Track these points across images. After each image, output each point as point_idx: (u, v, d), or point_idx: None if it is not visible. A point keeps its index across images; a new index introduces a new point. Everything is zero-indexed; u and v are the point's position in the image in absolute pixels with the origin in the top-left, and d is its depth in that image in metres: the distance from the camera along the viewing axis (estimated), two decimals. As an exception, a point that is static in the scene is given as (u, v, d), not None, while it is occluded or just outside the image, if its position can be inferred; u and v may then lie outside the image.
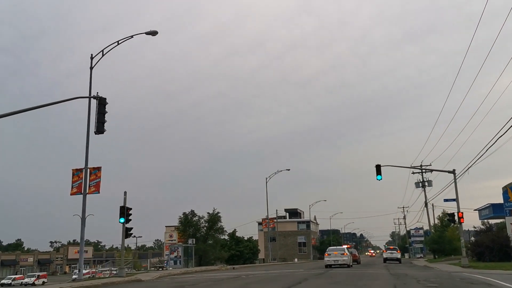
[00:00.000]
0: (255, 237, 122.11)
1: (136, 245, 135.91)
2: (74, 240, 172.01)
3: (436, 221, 69.71)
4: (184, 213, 57.98)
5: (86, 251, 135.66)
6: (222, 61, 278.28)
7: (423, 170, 58.80)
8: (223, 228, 59.58)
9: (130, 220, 31.71)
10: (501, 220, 43.86)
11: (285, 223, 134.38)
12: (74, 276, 65.38)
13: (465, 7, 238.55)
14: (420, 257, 79.09)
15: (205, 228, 58.67)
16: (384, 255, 54.21)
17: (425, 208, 62.50)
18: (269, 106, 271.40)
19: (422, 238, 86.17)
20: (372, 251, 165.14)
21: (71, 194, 26.98)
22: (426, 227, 77.61)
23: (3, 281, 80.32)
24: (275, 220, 78.66)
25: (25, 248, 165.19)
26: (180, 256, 47.11)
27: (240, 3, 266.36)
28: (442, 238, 57.12)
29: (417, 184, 61.46)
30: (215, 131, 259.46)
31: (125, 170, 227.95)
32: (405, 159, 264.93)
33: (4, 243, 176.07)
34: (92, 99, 19.08)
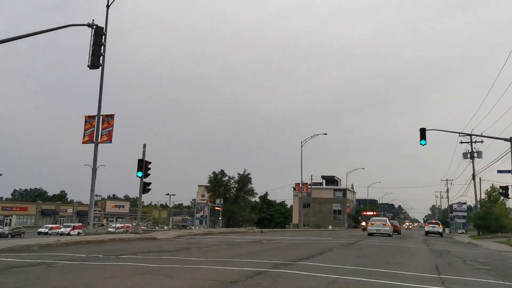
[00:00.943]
0: (290, 203, 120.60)
1: (169, 203, 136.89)
2: (113, 195, 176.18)
3: (483, 195, 65.05)
4: (213, 172, 56.35)
5: (123, 206, 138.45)
6: (266, 24, 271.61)
7: (473, 140, 54.15)
8: (253, 190, 57.69)
9: (149, 174, 29.76)
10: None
11: (321, 190, 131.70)
12: (109, 229, 65.96)
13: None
14: (462, 233, 75.24)
15: (235, 189, 56.87)
16: (426, 228, 55.12)
17: (471, 182, 57.90)
18: (311, 72, 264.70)
19: (465, 213, 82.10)
20: (409, 223, 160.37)
21: (83, 143, 25.09)
22: (470, 202, 73.16)
23: (40, 229, 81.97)
24: (309, 186, 75.96)
25: (68, 200, 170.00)
26: (206, 216, 45.43)
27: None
28: (489, 214, 53.01)
29: (465, 155, 56.78)
30: (255, 95, 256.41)
31: (165, 129, 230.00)
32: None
33: (50, 194, 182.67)
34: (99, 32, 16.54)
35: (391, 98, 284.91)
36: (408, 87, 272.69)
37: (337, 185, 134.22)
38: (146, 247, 18.16)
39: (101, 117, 24.67)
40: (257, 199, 64.76)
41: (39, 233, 76.56)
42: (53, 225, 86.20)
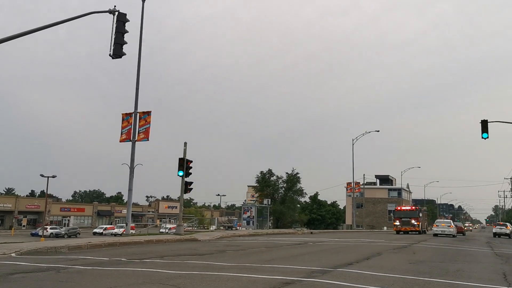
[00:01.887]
0: (343, 203, 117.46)
1: (220, 203, 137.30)
2: (167, 196, 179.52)
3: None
4: (261, 172, 55.10)
5: (176, 207, 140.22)
6: (315, 23, 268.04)
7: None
8: (303, 190, 55.89)
9: (190, 173, 28.90)
10: None
11: (374, 190, 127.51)
12: (161, 230, 66.44)
13: None
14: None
15: (283, 189, 55.35)
16: (494, 230, 54.66)
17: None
18: (363, 69, 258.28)
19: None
20: (468, 224, 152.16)
21: (120, 141, 24.49)
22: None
23: (95, 230, 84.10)
24: (361, 185, 73.17)
25: (124, 201, 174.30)
26: (253, 216, 44.19)
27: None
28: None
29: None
30: (306, 95, 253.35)
31: (218, 131, 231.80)
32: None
33: (107, 195, 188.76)
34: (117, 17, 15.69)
35: (448, 94, 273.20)
36: (466, 83, 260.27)
37: (392, 185, 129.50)
38: (179, 249, 17.08)
39: (138, 114, 23.96)
40: (307, 199, 62.94)
41: (94, 233, 78.51)
42: (108, 226, 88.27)
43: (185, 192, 28.88)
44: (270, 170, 54.93)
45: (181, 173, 28.15)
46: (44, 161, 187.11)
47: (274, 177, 55.02)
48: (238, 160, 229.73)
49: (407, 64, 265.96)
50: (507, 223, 56.92)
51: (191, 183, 28.89)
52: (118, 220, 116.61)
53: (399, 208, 50.12)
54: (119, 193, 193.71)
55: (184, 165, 28.32)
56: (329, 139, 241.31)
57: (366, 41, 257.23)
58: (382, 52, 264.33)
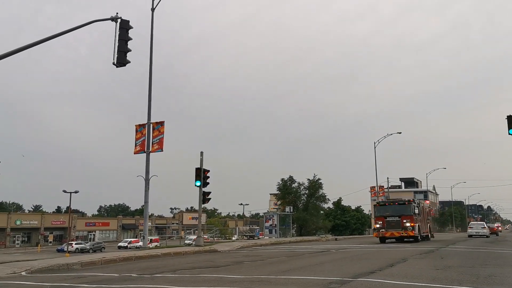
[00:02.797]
0: (368, 208, 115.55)
1: (243, 212, 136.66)
2: (191, 207, 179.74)
3: None
4: (282, 179, 54.34)
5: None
6: (332, 29, 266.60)
7: None
8: (325, 196, 54.88)
9: (208, 183, 28.42)
10: None
11: (400, 193, 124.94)
12: (186, 241, 66.34)
13: None
14: None
15: (305, 195, 54.44)
16: None
17: None
18: (383, 73, 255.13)
19: None
20: (497, 225, 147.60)
21: (134, 153, 24.15)
22: None
23: (120, 244, 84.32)
24: (385, 189, 71.62)
25: (150, 214, 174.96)
26: (275, 224, 43.43)
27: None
28: None
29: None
30: (325, 101, 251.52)
31: (239, 140, 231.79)
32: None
33: (132, 209, 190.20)
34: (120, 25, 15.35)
35: (471, 94, 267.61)
36: (489, 81, 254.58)
37: (417, 187, 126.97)
38: (195, 261, 16.53)
39: (151, 125, 23.62)
40: (330, 206, 61.82)
41: (119, 247, 78.69)
42: (132, 239, 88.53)
43: (204, 202, 28.40)
44: (291, 177, 54.19)
45: (198, 183, 27.70)
46: (71, 177, 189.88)
47: (296, 184, 54.22)
48: (260, 168, 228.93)
49: (427, 66, 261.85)
50: None
51: (209, 193, 28.41)
52: (142, 233, 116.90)
53: (382, 202, 36.17)
54: (143, 205, 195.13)
55: (201, 174, 27.87)
56: (351, 144, 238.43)
57: (385, 45, 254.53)
58: (401, 55, 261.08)
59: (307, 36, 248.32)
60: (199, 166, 28.03)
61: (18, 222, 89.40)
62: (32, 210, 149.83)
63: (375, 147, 63.26)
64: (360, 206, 71.18)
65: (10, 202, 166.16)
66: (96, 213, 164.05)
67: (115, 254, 18.62)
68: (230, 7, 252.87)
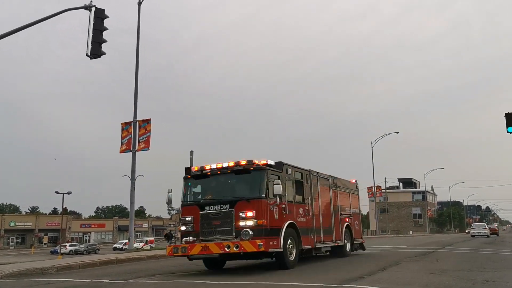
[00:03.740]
0: (366, 208, 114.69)
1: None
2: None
3: None
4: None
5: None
6: (333, 28, 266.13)
7: None
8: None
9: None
10: None
11: (398, 194, 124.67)
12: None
13: None
14: None
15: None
16: None
17: None
18: (383, 73, 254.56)
19: None
20: (496, 225, 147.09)
21: (120, 152, 23.37)
22: None
23: (115, 245, 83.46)
24: (382, 189, 70.93)
25: (147, 215, 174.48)
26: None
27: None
28: None
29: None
30: (326, 100, 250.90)
31: (240, 139, 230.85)
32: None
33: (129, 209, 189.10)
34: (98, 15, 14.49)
35: (471, 94, 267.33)
36: (489, 81, 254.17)
37: (416, 188, 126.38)
38: (178, 265, 15.70)
39: (137, 123, 22.82)
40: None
41: (115, 248, 77.90)
42: (127, 241, 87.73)
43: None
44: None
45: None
46: (69, 178, 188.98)
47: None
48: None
49: (428, 66, 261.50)
50: None
51: (199, 193, 27.54)
52: (139, 234, 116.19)
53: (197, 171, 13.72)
54: (141, 207, 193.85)
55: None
56: (352, 144, 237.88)
57: (386, 44, 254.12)
58: (402, 54, 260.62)
59: (308, 36, 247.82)
60: (188, 166, 27.18)
61: (12, 224, 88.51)
62: (29, 211, 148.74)
63: (372, 147, 62.66)
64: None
65: (7, 204, 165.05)
66: (93, 214, 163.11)
67: (94, 258, 17.78)
68: (230, 7, 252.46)
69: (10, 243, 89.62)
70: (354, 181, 19.73)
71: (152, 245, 78.94)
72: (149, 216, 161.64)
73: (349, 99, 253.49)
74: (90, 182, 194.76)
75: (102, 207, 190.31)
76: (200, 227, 12.46)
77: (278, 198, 12.30)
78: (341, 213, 17.34)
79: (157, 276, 12.01)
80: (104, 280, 11.24)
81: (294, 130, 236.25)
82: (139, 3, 23.37)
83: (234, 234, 11.88)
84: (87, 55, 14.83)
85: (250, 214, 11.81)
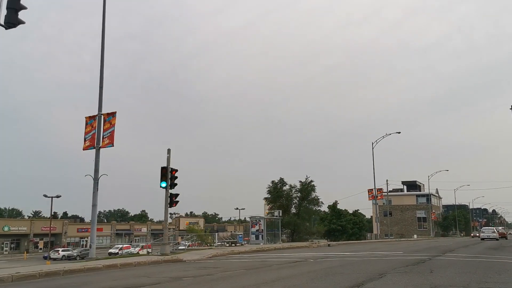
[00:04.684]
0: (370, 212, 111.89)
1: (239, 217, 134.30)
2: (191, 212, 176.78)
3: None
4: (272, 182, 51.01)
5: (197, 222, 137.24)
6: (336, 33, 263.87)
7: None
8: (318, 199, 51.38)
9: (176, 184, 25.39)
10: None
11: (402, 197, 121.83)
12: (180, 247, 63.56)
13: None
14: None
15: (297, 199, 51.23)
16: None
17: None
18: (387, 77, 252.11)
19: None
20: (502, 229, 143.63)
21: (83, 149, 21.19)
22: None
23: (110, 250, 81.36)
24: (384, 192, 68.45)
25: (149, 219, 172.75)
26: (262, 230, 40.33)
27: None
28: None
29: None
30: (330, 105, 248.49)
31: (241, 145, 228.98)
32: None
33: (132, 214, 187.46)
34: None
35: (475, 97, 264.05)
36: (493, 84, 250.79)
37: (420, 190, 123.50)
38: (130, 276, 13.52)
39: (102, 116, 20.65)
40: (325, 209, 58.52)
41: (110, 253, 75.85)
42: (124, 245, 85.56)
43: (170, 206, 25.35)
44: (282, 179, 50.82)
45: (164, 184, 24.68)
46: (73, 182, 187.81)
47: (287, 187, 50.83)
48: (261, 173, 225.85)
49: (432, 69, 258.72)
50: None
51: (177, 195, 25.36)
52: (138, 239, 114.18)
53: None
54: (143, 211, 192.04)
55: (168, 174, 24.87)
56: (355, 149, 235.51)
57: (389, 49, 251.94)
58: (406, 58, 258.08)
59: (311, 41, 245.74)
60: (165, 165, 25.03)
61: (6, 228, 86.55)
62: (31, 216, 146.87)
63: (373, 147, 60.28)
64: (358, 210, 67.79)
65: (10, 208, 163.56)
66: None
67: (35, 269, 15.51)
68: (233, 13, 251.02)
69: (4, 248, 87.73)
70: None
71: (149, 250, 76.83)
72: (151, 220, 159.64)
73: (353, 104, 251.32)
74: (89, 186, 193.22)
75: (104, 211, 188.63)
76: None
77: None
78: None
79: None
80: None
81: (298, 134, 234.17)
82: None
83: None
84: (2, 25, 12.65)
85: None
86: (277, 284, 10.59)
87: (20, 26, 12.79)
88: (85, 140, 20.89)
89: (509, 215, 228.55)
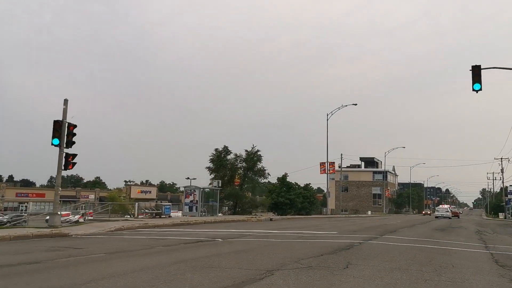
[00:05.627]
0: (324, 186, 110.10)
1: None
2: (146, 181, 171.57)
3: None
4: (216, 150, 47.02)
5: (150, 192, 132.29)
6: (306, 8, 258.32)
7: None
8: (265, 170, 47.81)
9: (74, 142, 21.02)
10: None
11: (359, 173, 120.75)
12: (126, 216, 59.21)
13: None
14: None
15: (242, 169, 47.55)
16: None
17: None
18: (354, 55, 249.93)
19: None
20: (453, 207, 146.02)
21: None
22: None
23: (47, 217, 75.93)
24: (336, 166, 65.72)
25: (106, 186, 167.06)
26: (197, 201, 36.51)
27: None
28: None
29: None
30: (296, 80, 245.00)
31: (208, 115, 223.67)
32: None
33: (86, 180, 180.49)
34: None
35: (438, 79, 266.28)
36: (455, 69, 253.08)
37: (378, 167, 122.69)
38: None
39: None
40: (274, 181, 55.22)
41: (47, 221, 70.80)
42: (64, 212, 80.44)
43: (66, 168, 21.06)
44: (226, 147, 46.87)
45: (56, 142, 20.28)
46: (29, 144, 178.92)
47: (232, 156, 46.97)
48: (222, 143, 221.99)
49: (398, 50, 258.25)
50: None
51: (74, 155, 21.05)
52: (84, 206, 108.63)
53: None
54: (98, 177, 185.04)
55: (65, 130, 20.44)
56: (317, 124, 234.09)
57: (357, 27, 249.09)
58: (373, 38, 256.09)
59: (281, 15, 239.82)
60: (60, 119, 20.54)
61: None
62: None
63: (327, 120, 57.15)
64: (310, 183, 64.84)
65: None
66: (48, 183, 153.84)
67: None
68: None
69: None
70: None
71: (91, 217, 72.00)
72: (105, 187, 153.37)
73: (319, 81, 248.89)
74: (47, 149, 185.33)
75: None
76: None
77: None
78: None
79: None
80: None
81: (264, 108, 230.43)
82: None
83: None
84: None
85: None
86: (142, 273, 6.65)
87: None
88: None
89: (461, 195, 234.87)
